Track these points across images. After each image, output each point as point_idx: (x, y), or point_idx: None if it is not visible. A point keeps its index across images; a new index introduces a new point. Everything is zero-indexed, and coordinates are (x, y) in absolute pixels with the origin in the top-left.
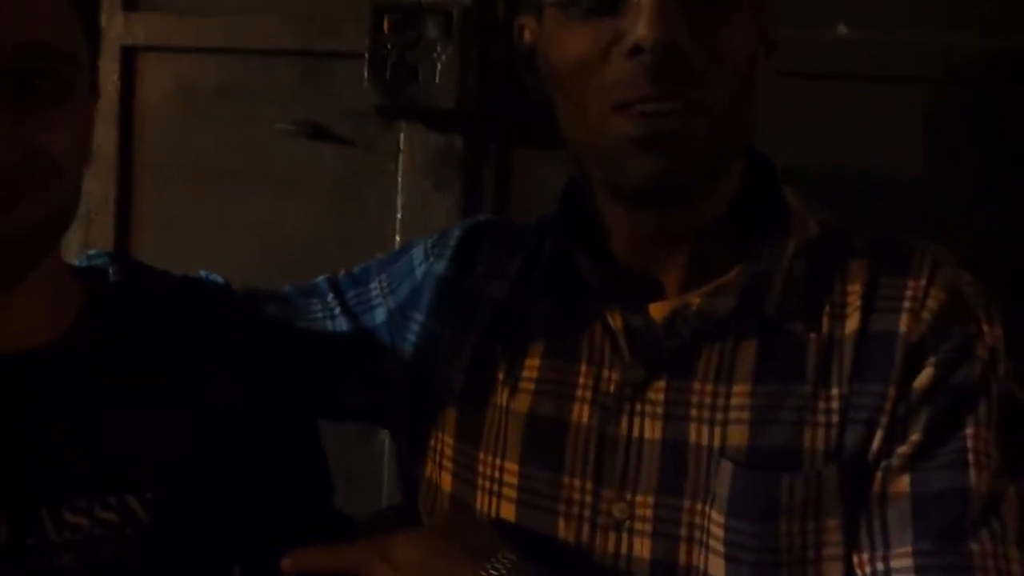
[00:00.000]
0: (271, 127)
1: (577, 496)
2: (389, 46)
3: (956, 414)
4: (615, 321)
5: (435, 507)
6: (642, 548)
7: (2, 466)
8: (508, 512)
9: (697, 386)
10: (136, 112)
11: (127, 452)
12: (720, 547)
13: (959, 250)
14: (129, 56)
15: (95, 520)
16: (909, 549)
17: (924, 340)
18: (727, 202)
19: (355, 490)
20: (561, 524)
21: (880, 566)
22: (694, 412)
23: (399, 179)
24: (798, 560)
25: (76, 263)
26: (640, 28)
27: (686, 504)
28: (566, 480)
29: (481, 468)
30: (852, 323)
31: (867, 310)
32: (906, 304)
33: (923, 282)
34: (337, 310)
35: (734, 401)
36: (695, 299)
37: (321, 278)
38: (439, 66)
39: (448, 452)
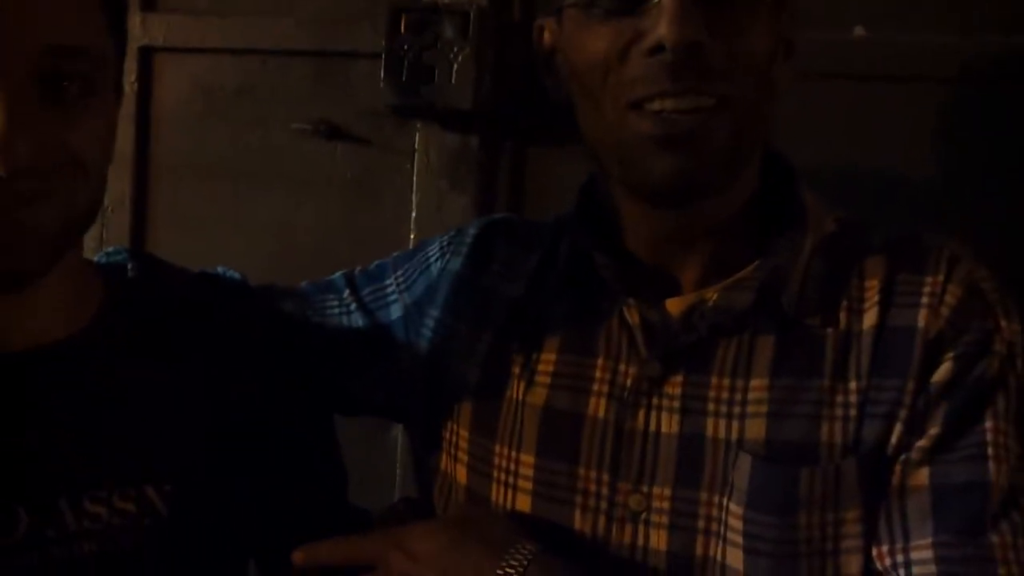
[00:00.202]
0: (287, 127)
1: (593, 488)
2: (406, 47)
3: (975, 408)
4: (632, 316)
5: (450, 500)
6: (658, 540)
7: (22, 458)
8: (524, 504)
9: (714, 380)
10: (153, 112)
11: (145, 444)
12: (739, 539)
13: (975, 248)
14: (146, 56)
15: (114, 510)
16: (929, 541)
17: (942, 335)
18: (744, 200)
19: (368, 485)
20: (577, 516)
21: (900, 558)
22: (711, 406)
23: (414, 179)
24: (817, 552)
25: (95, 259)
26: (662, 27)
27: (703, 496)
28: (582, 472)
29: (497, 460)
30: (870, 318)
31: (885, 305)
32: (924, 299)
33: (941, 277)
34: (353, 306)
35: (751, 395)
36: (712, 294)
37: (337, 274)
38: (455, 67)
39: (463, 445)
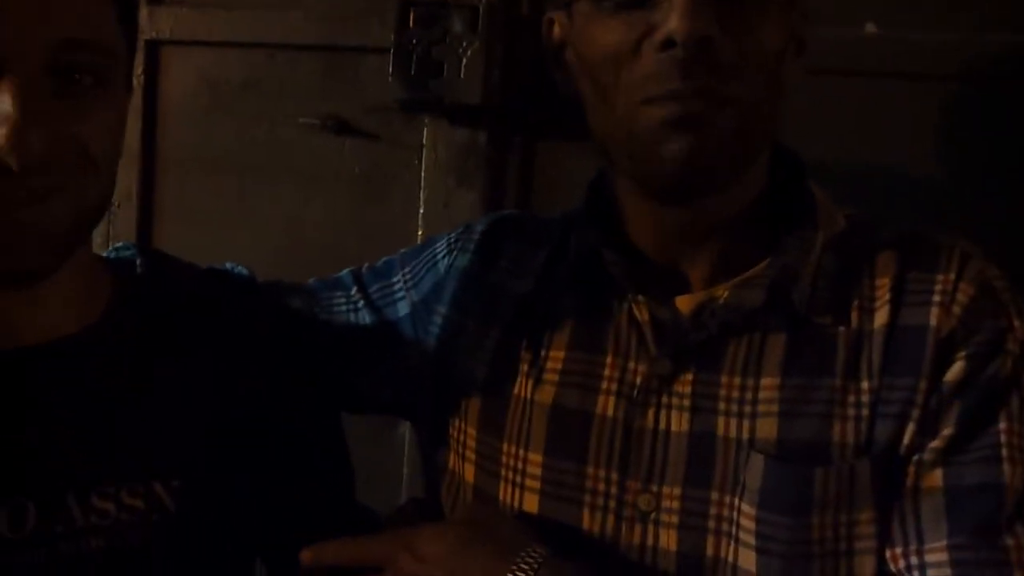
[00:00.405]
0: (295, 121)
1: (602, 487)
2: (414, 41)
3: (988, 408)
4: (641, 313)
5: (458, 498)
6: (668, 540)
7: (31, 453)
8: (531, 503)
9: (725, 379)
10: (160, 106)
11: (153, 440)
12: (751, 539)
13: (986, 247)
14: (153, 50)
15: (121, 506)
16: (944, 543)
17: (954, 334)
18: (753, 196)
19: (375, 483)
20: (586, 515)
21: (914, 560)
22: (722, 405)
23: (423, 174)
24: (830, 553)
25: (103, 255)
26: (673, 21)
27: (714, 496)
28: (591, 471)
29: (504, 459)
30: (881, 317)
31: (896, 304)
32: (936, 297)
33: (952, 275)
34: (360, 303)
35: (762, 394)
36: (722, 292)
37: (345, 271)
38: (464, 61)
39: (471, 443)
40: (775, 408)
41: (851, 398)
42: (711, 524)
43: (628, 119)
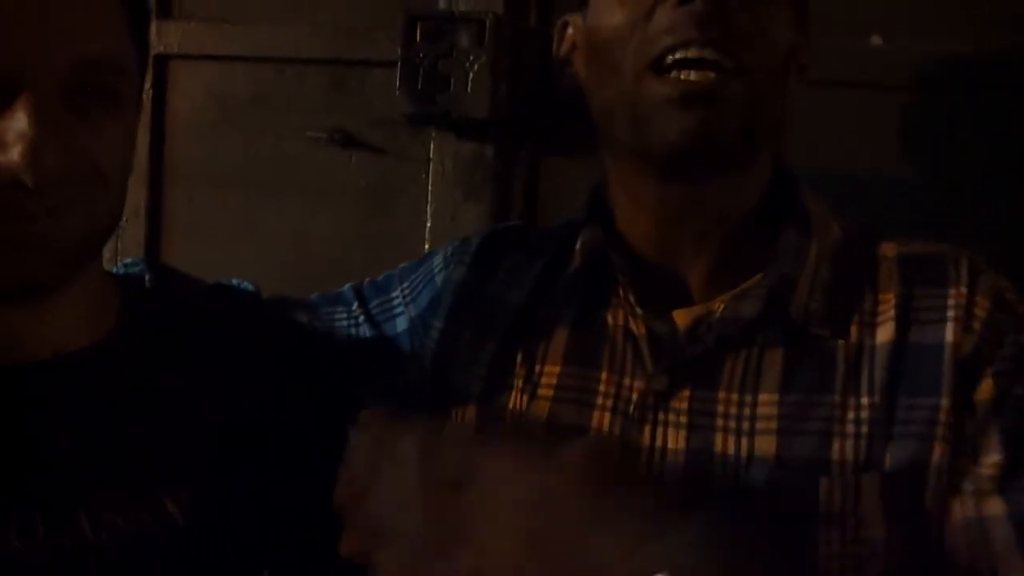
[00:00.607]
0: (302, 135)
1: None
2: (421, 55)
3: None
4: (637, 327)
5: None
6: None
7: (41, 466)
8: None
9: (722, 395)
10: (168, 120)
11: (161, 454)
12: None
13: (988, 256)
14: (161, 64)
15: (130, 519)
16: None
17: (979, 351)
18: (753, 203)
19: None
20: None
21: None
22: (719, 422)
23: (429, 188)
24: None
25: (112, 270)
26: None
27: None
28: None
29: None
30: (885, 332)
31: (904, 320)
32: (950, 313)
33: (964, 290)
34: (361, 318)
35: (760, 411)
36: (718, 305)
37: (346, 287)
38: (471, 75)
39: None
40: (773, 425)
41: (850, 414)
42: None
43: (635, 90)
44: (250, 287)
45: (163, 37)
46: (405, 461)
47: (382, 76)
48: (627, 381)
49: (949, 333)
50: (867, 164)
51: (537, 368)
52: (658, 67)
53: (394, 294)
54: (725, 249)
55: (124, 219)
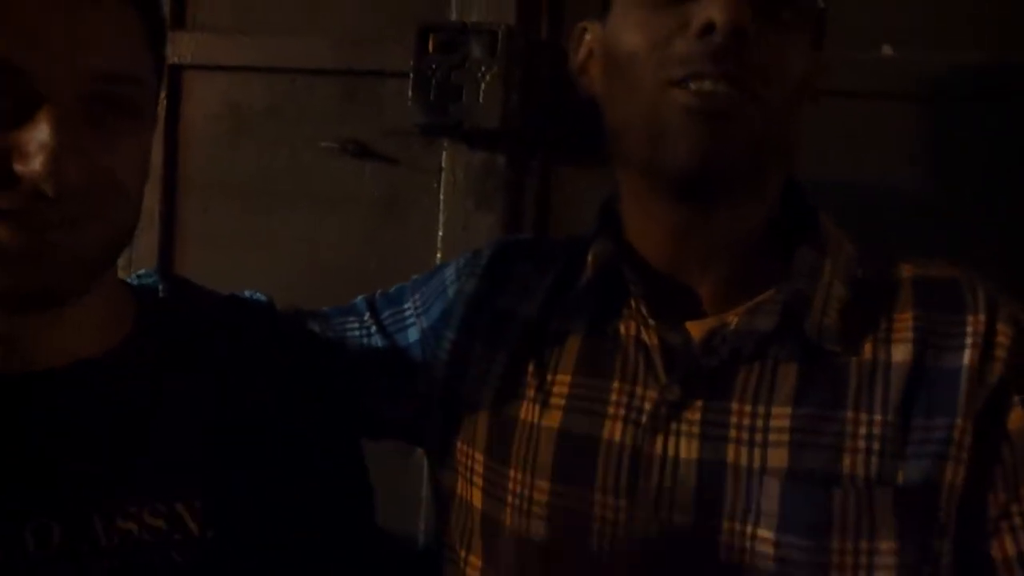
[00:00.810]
0: (315, 145)
1: (610, 515)
2: (434, 66)
3: None
4: (650, 337)
5: (467, 525)
6: None
7: (55, 474)
8: (538, 530)
9: (735, 407)
10: (181, 130)
11: (174, 461)
12: (768, 565)
13: (998, 271)
14: (175, 75)
15: (144, 526)
16: None
17: (1004, 379)
18: (765, 220)
19: (392, 507)
20: (593, 544)
21: None
22: (733, 433)
23: (441, 198)
24: None
25: (126, 280)
26: (714, 8)
27: (724, 524)
28: (598, 498)
29: (511, 485)
30: (901, 353)
31: (921, 343)
32: (968, 339)
33: (983, 316)
34: (373, 329)
35: (774, 423)
36: (733, 318)
37: (359, 298)
38: (483, 86)
39: (478, 469)
40: (786, 438)
41: (862, 430)
42: (721, 553)
43: (654, 101)
44: (263, 298)
45: (177, 48)
46: None
47: (395, 86)
48: (639, 391)
49: (967, 358)
50: (876, 173)
51: (549, 378)
52: (676, 83)
53: (406, 305)
54: (736, 264)
55: (137, 229)
